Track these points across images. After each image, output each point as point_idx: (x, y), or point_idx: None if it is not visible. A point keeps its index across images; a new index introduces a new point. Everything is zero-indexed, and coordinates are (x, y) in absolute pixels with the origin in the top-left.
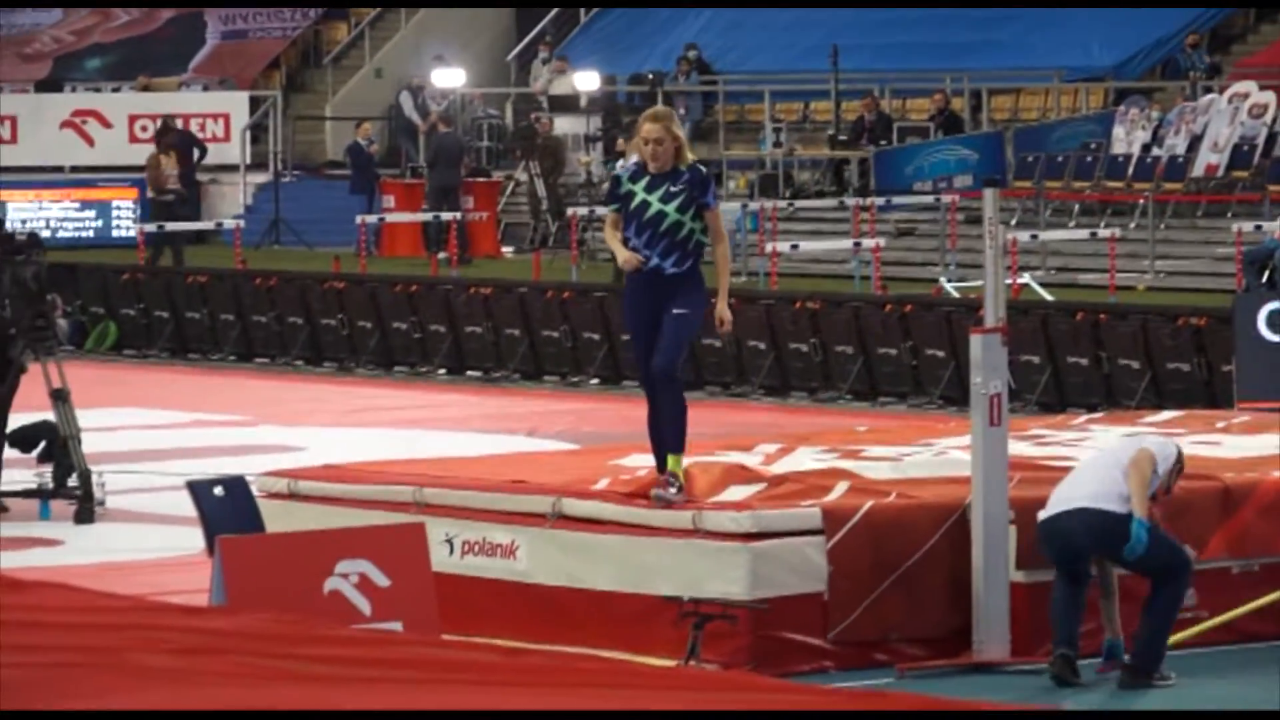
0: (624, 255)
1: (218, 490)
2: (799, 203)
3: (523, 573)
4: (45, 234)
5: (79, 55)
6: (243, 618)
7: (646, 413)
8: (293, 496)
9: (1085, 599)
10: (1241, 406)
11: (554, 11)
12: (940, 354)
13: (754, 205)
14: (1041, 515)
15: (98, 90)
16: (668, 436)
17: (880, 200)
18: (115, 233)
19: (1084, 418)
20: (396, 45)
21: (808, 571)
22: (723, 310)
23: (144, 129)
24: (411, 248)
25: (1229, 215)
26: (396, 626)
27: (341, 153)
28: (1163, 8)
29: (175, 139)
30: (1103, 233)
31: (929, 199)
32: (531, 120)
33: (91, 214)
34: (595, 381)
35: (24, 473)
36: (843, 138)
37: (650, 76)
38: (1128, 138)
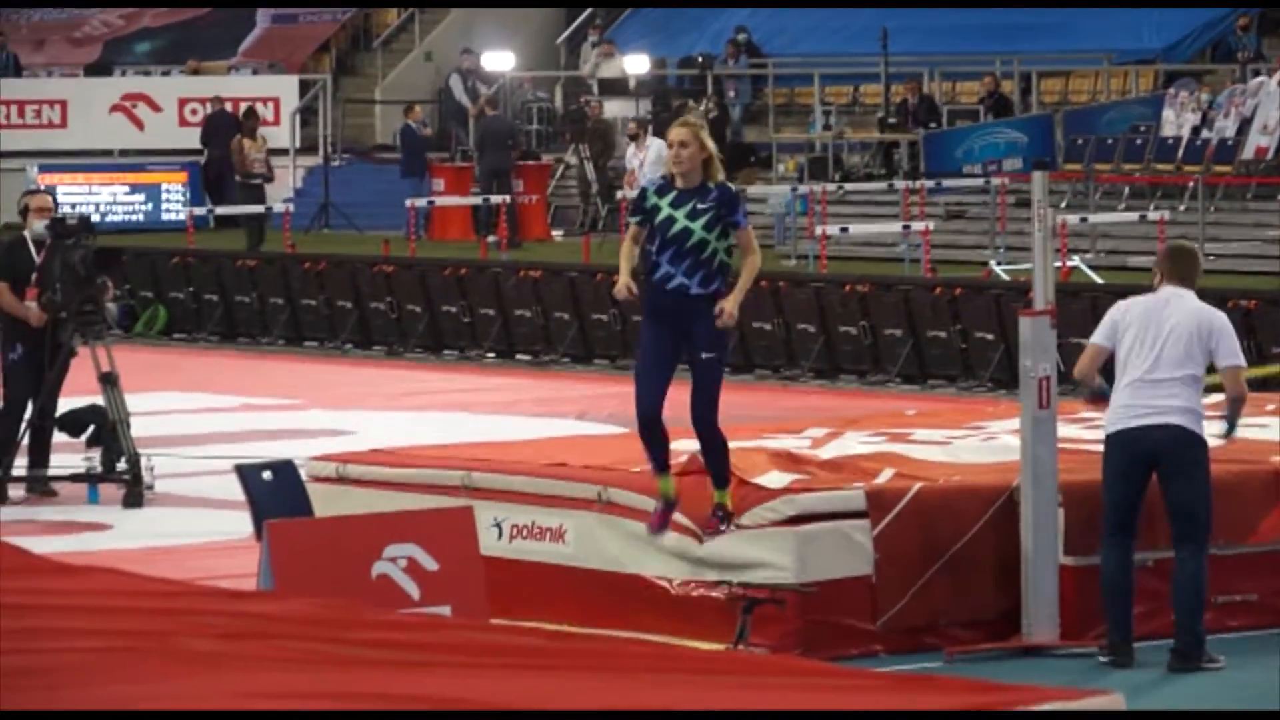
0: (622, 282)
1: (266, 474)
2: (848, 186)
3: (571, 557)
4: (95, 218)
5: (128, 39)
6: (291, 602)
7: (636, 415)
8: (341, 480)
9: (1134, 575)
10: None
11: None
12: (989, 337)
13: (803, 188)
14: (1133, 421)
15: (147, 74)
16: (713, 471)
17: (930, 183)
18: (165, 216)
19: None
20: (446, 28)
21: (855, 554)
22: (731, 305)
23: (193, 113)
24: (461, 231)
25: (1279, 198)
26: (445, 611)
27: (391, 136)
28: None
29: (220, 121)
30: (1152, 215)
31: (978, 182)
32: (581, 104)
33: (141, 198)
34: None
35: (72, 457)
36: (892, 120)
37: (700, 60)
38: (1177, 120)
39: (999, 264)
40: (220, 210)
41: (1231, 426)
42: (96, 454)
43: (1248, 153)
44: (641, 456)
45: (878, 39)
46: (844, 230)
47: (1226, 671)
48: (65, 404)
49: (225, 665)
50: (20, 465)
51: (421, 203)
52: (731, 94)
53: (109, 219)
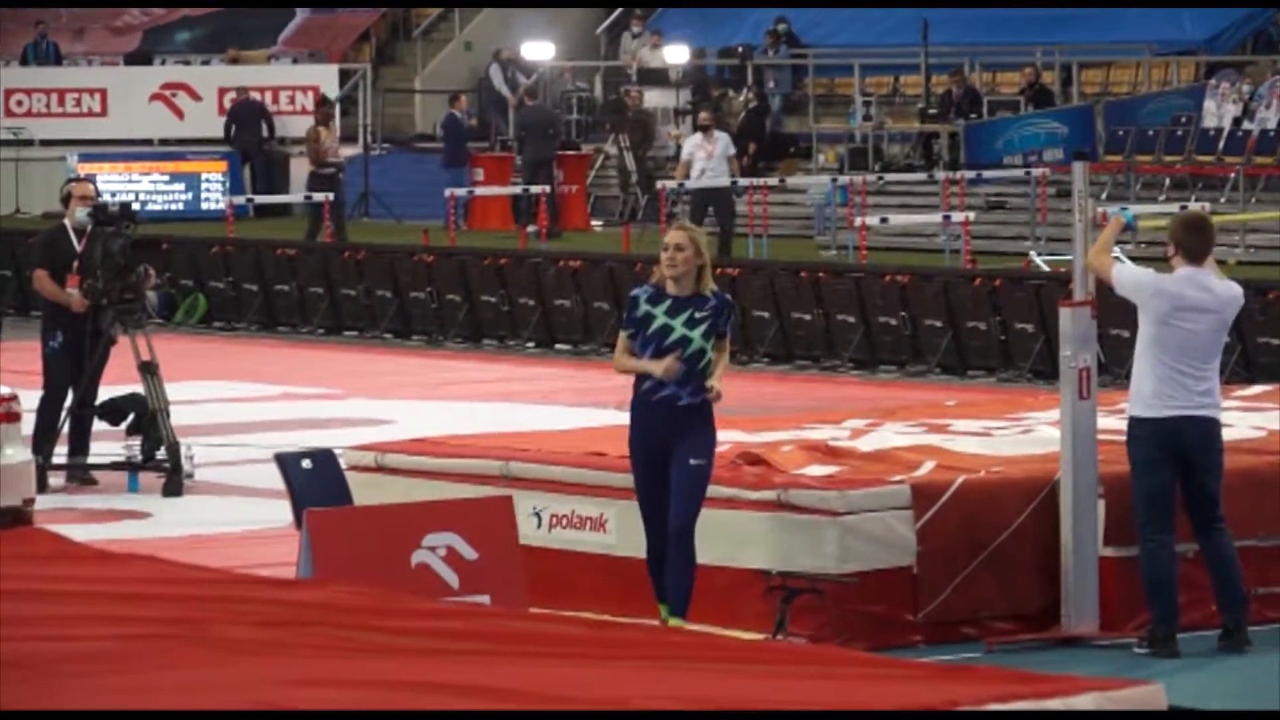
0: (663, 363)
1: (306, 463)
2: (888, 176)
3: (612, 546)
4: (134, 207)
5: (168, 28)
6: (330, 590)
7: (646, 549)
8: (380, 470)
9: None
10: None
11: None
12: (1029, 328)
13: (843, 179)
14: (1170, 411)
15: (187, 63)
16: (674, 597)
17: (970, 174)
18: (204, 205)
19: None
20: (486, 18)
21: (896, 545)
22: (715, 385)
23: (233, 102)
24: (501, 221)
25: None
26: (484, 600)
27: (430, 126)
28: None
29: (245, 110)
30: (1193, 206)
31: (1019, 173)
32: (621, 93)
33: (181, 187)
34: None
35: (112, 445)
36: (932, 111)
37: (740, 50)
38: (1218, 111)
39: (1039, 255)
40: (260, 200)
41: None
42: (136, 442)
43: None
44: None
45: (918, 29)
46: (884, 221)
47: (1267, 663)
48: (105, 392)
49: (264, 653)
50: (60, 453)
51: (461, 192)
52: (771, 84)
53: (148, 208)
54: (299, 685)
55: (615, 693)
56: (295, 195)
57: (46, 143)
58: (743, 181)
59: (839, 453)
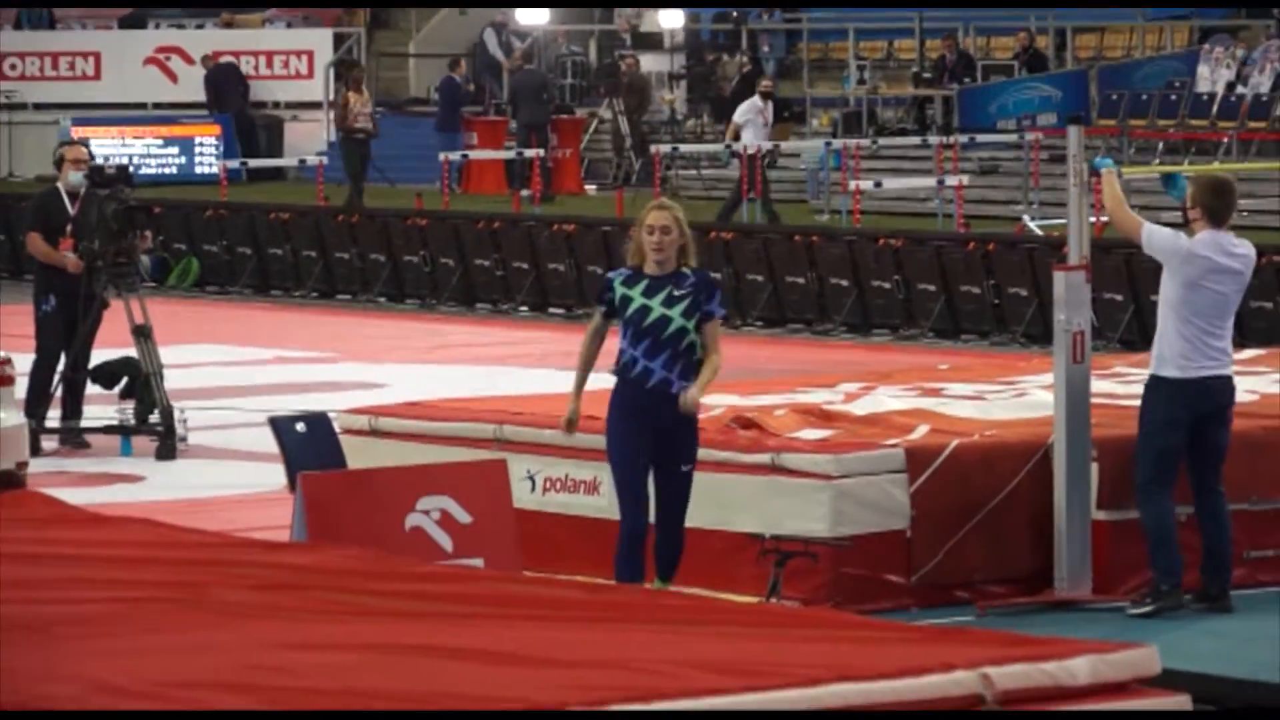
0: (569, 409)
1: (300, 426)
2: (882, 140)
3: (605, 509)
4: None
5: None
6: (324, 554)
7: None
8: (374, 433)
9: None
10: None
11: None
12: (1023, 292)
13: (837, 143)
14: (1195, 371)
15: (180, 27)
16: (664, 564)
17: (964, 138)
18: (198, 169)
19: None
20: None
21: (890, 509)
22: (697, 392)
23: None
24: (495, 185)
25: None
26: (478, 563)
27: (424, 90)
28: None
29: (223, 75)
30: (1187, 171)
31: (1012, 137)
32: (616, 58)
33: (174, 151)
34: None
35: (106, 409)
36: (927, 76)
37: (734, 14)
38: (1212, 76)
39: (1032, 219)
40: (254, 164)
41: None
42: (129, 406)
43: None
44: None
45: None
46: (877, 185)
47: (1259, 626)
48: (98, 356)
49: (259, 616)
50: (54, 417)
51: (455, 156)
52: (766, 49)
53: (142, 172)
54: (294, 648)
55: (610, 655)
56: (290, 160)
57: (40, 106)
58: (736, 146)
59: (833, 416)
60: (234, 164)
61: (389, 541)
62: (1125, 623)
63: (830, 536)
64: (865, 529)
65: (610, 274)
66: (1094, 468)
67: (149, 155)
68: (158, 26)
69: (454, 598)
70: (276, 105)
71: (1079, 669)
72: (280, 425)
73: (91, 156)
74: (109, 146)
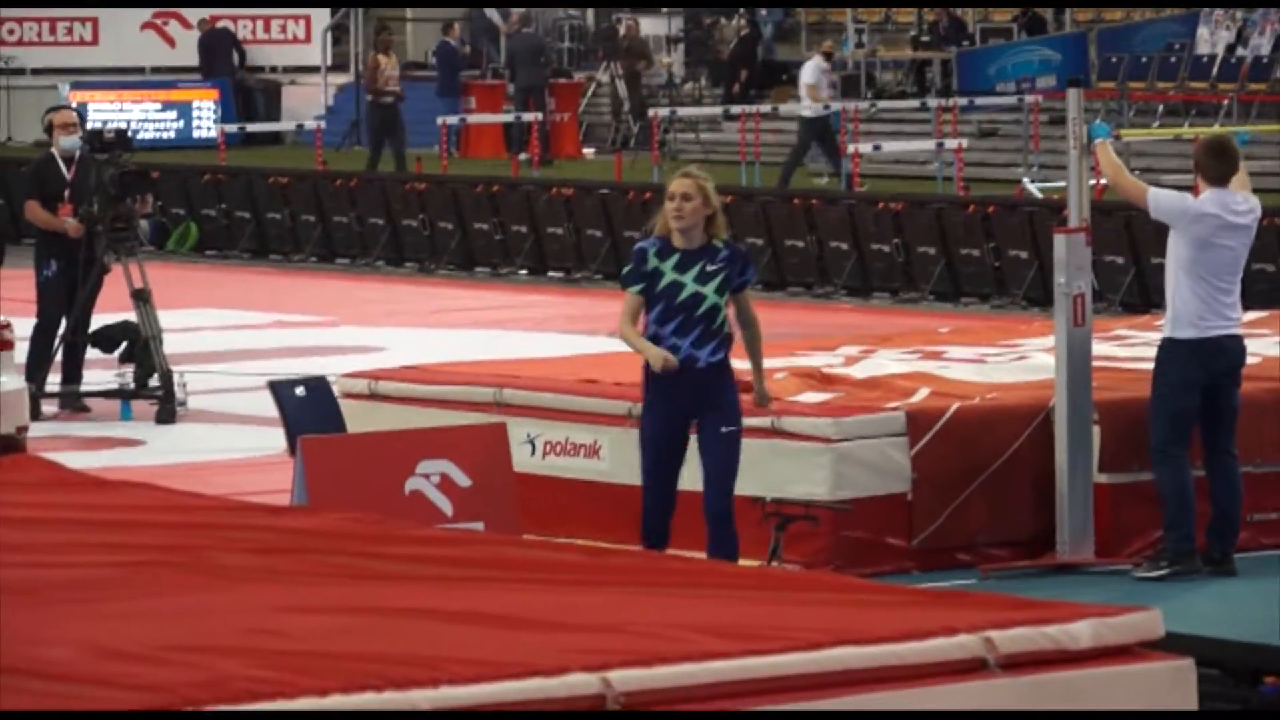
0: (659, 354)
1: (299, 390)
2: (881, 103)
3: (605, 472)
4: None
5: None
6: (324, 517)
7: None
8: (374, 397)
9: None
10: None
11: None
12: (1023, 255)
13: (836, 106)
14: (1212, 331)
15: None
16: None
17: (963, 101)
18: (196, 134)
19: None
20: None
21: (891, 472)
22: (764, 390)
23: None
24: (493, 149)
25: None
26: (478, 527)
27: (422, 54)
28: None
29: (215, 40)
30: (1187, 133)
31: (1012, 100)
32: (614, 21)
33: (172, 115)
34: None
35: (105, 373)
36: (925, 39)
37: None
38: (1212, 38)
39: (1032, 182)
40: (252, 128)
41: None
42: (129, 370)
43: None
44: None
45: None
46: (877, 148)
47: (1263, 589)
48: (98, 320)
49: (259, 579)
50: (54, 381)
51: (453, 120)
52: (763, 12)
53: (140, 137)
54: (293, 611)
55: (610, 619)
56: (288, 124)
57: (38, 71)
58: (734, 109)
59: (833, 379)
60: (232, 128)
61: (389, 505)
62: (1128, 586)
63: (831, 500)
64: (866, 492)
65: (642, 243)
66: (1095, 430)
67: (147, 120)
68: None
69: (454, 561)
70: (274, 70)
71: (1081, 632)
72: (280, 389)
73: (81, 119)
74: (107, 111)
